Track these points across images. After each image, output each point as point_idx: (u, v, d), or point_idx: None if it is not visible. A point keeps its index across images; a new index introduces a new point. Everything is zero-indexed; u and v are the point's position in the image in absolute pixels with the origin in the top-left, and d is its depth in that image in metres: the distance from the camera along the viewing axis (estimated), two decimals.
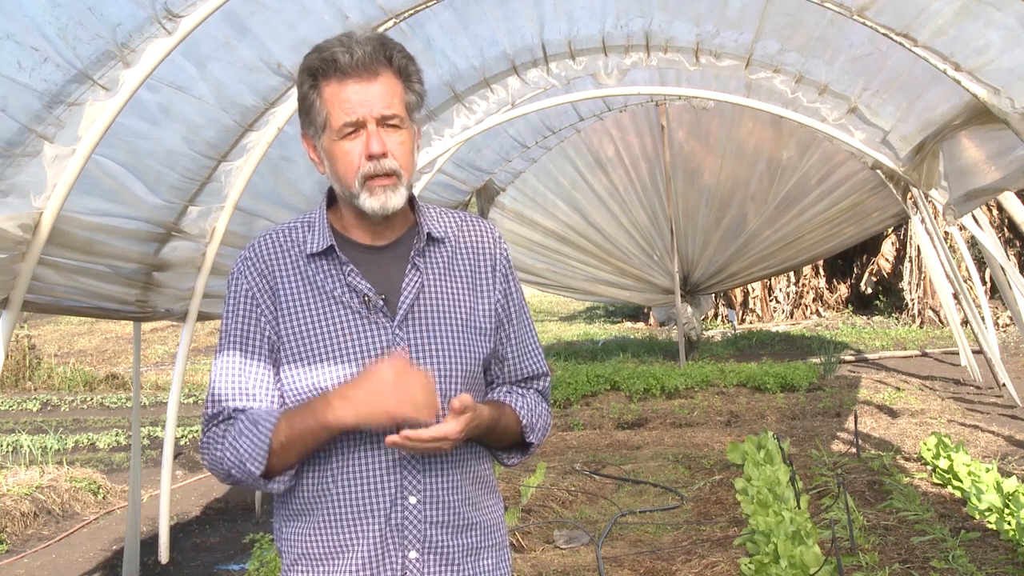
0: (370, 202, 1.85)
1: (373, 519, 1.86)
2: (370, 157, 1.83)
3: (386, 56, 1.84)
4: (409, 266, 1.92)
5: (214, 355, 1.95)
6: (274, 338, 1.90)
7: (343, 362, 1.86)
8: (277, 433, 1.80)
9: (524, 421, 1.98)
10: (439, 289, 1.94)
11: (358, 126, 1.83)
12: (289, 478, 1.87)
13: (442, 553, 1.89)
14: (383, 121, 1.84)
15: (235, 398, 1.89)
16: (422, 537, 1.87)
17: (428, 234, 1.96)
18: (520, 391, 2.03)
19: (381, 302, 1.89)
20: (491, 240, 2.03)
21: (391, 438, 1.78)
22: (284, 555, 1.96)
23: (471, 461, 1.95)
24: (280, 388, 1.90)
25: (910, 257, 16.37)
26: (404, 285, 1.91)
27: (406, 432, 1.77)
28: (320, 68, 1.83)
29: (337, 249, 1.91)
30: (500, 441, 1.99)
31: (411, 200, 1.99)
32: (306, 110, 1.89)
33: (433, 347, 1.89)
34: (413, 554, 1.87)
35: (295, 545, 1.92)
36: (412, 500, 1.86)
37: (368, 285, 1.89)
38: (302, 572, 1.91)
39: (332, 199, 1.98)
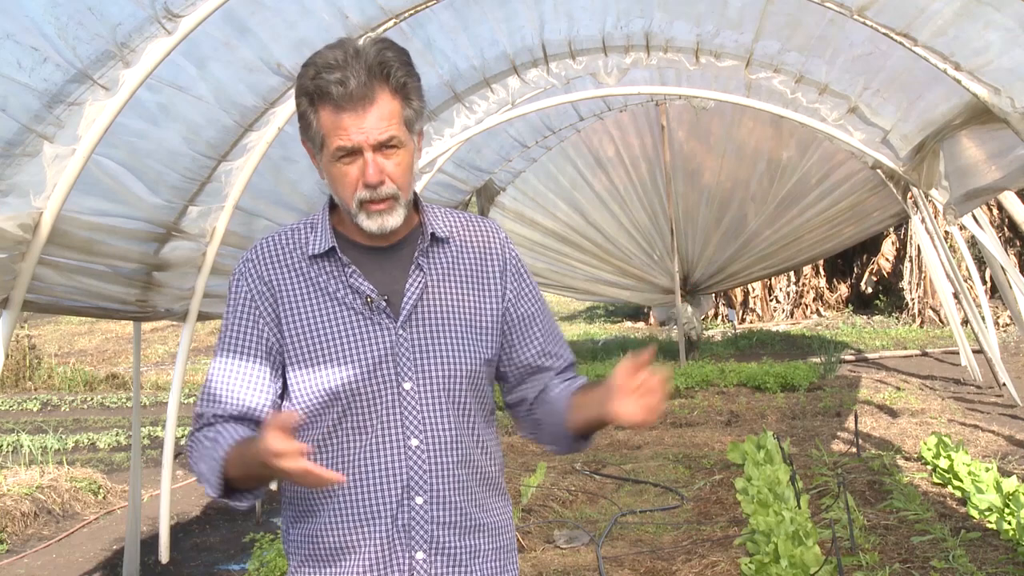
0: (367, 223, 1.85)
1: (379, 520, 1.85)
2: (367, 186, 1.82)
3: (382, 76, 1.80)
4: (412, 266, 1.91)
5: (213, 355, 1.95)
6: (274, 341, 1.89)
7: (346, 364, 1.85)
8: (228, 465, 1.79)
9: None
10: (443, 289, 1.93)
11: (354, 152, 1.82)
12: (252, 500, 1.87)
13: (449, 554, 1.89)
14: (380, 146, 1.82)
15: (219, 401, 1.88)
16: (429, 538, 1.87)
17: (432, 234, 1.95)
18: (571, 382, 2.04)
19: (384, 303, 1.88)
20: (498, 241, 2.02)
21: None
22: (291, 556, 1.96)
23: (478, 461, 1.94)
24: (287, 391, 1.90)
25: (910, 257, 16.37)
26: (407, 286, 1.90)
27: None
28: (315, 93, 1.81)
29: (339, 250, 1.90)
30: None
31: (415, 200, 1.99)
32: (305, 127, 1.87)
33: (437, 347, 1.88)
34: (420, 555, 1.86)
35: (302, 546, 1.92)
36: (419, 500, 1.86)
37: (370, 286, 1.88)
38: (309, 573, 1.91)
39: (335, 201, 1.98)
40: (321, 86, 1.79)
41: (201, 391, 1.91)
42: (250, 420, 1.89)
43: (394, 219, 1.86)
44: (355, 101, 1.79)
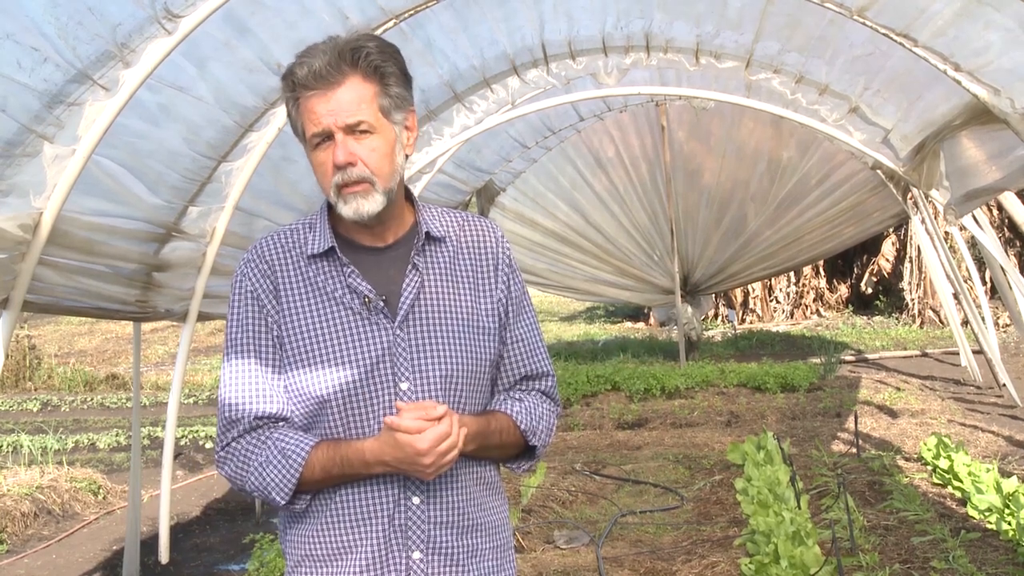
0: (345, 210, 1.85)
1: (377, 520, 1.86)
2: (337, 167, 1.83)
3: (352, 60, 1.81)
4: (409, 266, 1.92)
5: (223, 359, 1.93)
6: (279, 336, 1.89)
7: (344, 364, 1.85)
8: (311, 469, 1.81)
9: (523, 425, 1.95)
10: (440, 289, 1.93)
11: (326, 136, 1.83)
12: (309, 499, 1.88)
13: (446, 554, 1.89)
14: (351, 129, 1.82)
15: (253, 403, 1.87)
16: (426, 538, 1.87)
17: (427, 233, 1.95)
18: (518, 395, 2.00)
19: (381, 303, 1.88)
20: (494, 239, 2.02)
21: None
22: (288, 556, 1.96)
23: (475, 463, 1.94)
24: (285, 389, 1.89)
25: (910, 257, 16.37)
26: (404, 286, 1.90)
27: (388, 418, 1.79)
28: (289, 82, 1.84)
29: (338, 250, 1.91)
30: (503, 450, 1.97)
31: (412, 200, 1.99)
32: (289, 119, 1.91)
33: (435, 347, 1.88)
34: (417, 555, 1.86)
35: (299, 546, 1.92)
36: (415, 500, 1.86)
37: (368, 286, 1.88)
38: (306, 573, 1.91)
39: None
40: (291, 69, 1.83)
41: (224, 397, 1.90)
42: (283, 421, 1.89)
43: (370, 205, 1.85)
44: (320, 80, 1.80)
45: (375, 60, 1.83)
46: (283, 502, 1.83)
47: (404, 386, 1.86)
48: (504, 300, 2.00)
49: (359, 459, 1.81)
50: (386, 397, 1.86)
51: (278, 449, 1.83)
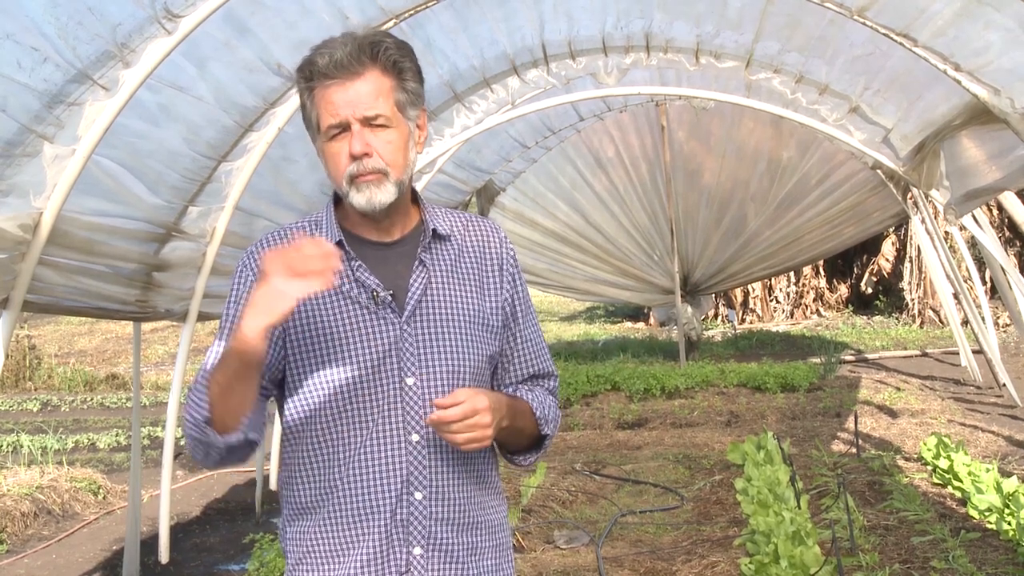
0: (357, 199, 1.85)
1: (378, 515, 1.86)
2: (353, 157, 1.83)
3: (372, 54, 1.83)
4: (416, 262, 1.93)
5: (213, 341, 1.94)
6: (275, 332, 1.88)
7: (350, 358, 1.86)
8: (214, 374, 1.77)
9: (538, 413, 1.98)
10: (446, 286, 1.94)
11: (343, 127, 1.83)
12: (242, 430, 1.80)
13: (446, 550, 1.89)
14: (367, 122, 1.83)
15: None
16: (427, 534, 1.87)
17: (434, 231, 1.96)
18: (527, 387, 2.04)
19: (389, 298, 1.89)
20: (497, 240, 2.03)
21: (430, 417, 1.78)
22: (289, 554, 1.96)
23: (476, 461, 1.95)
24: (289, 384, 1.89)
25: (910, 257, 16.37)
26: (411, 281, 1.91)
27: (433, 415, 1.77)
28: (307, 71, 1.85)
29: (345, 244, 1.91)
30: (520, 434, 1.98)
31: (417, 198, 2.00)
32: (303, 111, 1.90)
33: (441, 343, 1.89)
34: (417, 550, 1.87)
35: (300, 544, 1.92)
36: (418, 496, 1.87)
37: (376, 280, 1.89)
38: (307, 570, 1.91)
39: (339, 197, 1.98)
40: (311, 58, 1.83)
41: (196, 374, 1.90)
42: None
43: (383, 195, 1.85)
44: (341, 71, 1.81)
45: (394, 55, 1.85)
46: (201, 417, 1.78)
47: (410, 381, 1.87)
48: (510, 299, 2.01)
49: (234, 334, 1.74)
50: (391, 392, 1.86)
51: (198, 375, 1.82)
